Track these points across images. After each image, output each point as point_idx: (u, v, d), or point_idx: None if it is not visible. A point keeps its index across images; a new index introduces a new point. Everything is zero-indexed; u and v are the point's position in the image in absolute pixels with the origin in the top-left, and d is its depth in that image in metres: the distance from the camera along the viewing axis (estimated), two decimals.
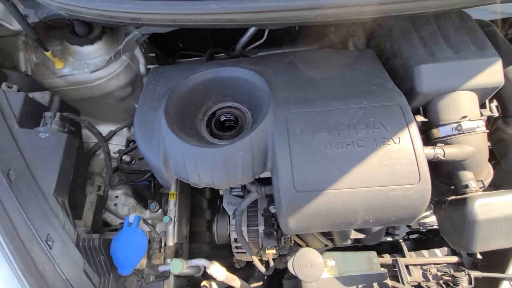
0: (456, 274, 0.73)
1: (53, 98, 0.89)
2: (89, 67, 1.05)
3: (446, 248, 0.98)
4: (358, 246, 1.11)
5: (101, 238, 0.79)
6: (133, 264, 0.76)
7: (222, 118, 0.86)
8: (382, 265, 0.96)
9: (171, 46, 1.42)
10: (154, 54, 1.23)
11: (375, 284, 0.90)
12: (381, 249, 1.10)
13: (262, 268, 0.93)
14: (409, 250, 1.05)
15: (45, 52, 0.96)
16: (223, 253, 1.38)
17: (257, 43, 1.17)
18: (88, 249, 0.73)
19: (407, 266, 0.94)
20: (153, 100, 0.83)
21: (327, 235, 0.96)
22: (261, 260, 1.19)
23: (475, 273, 0.74)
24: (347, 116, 0.71)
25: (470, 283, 0.72)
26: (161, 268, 0.84)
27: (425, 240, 1.14)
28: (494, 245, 0.67)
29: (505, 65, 0.82)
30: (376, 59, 0.86)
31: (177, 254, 1.21)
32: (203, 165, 0.71)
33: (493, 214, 0.65)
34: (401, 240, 1.07)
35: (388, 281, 0.90)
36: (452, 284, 0.72)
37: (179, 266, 0.79)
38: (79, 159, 0.86)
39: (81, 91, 1.08)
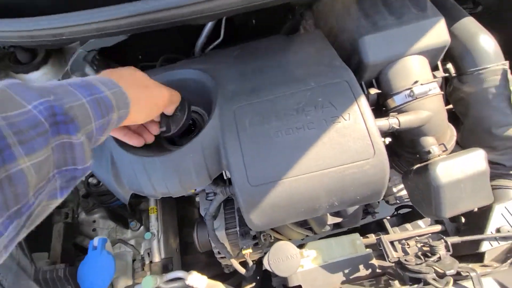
0: (433, 243, 0.71)
1: None
2: None
3: (429, 219, 0.96)
4: (345, 231, 1.09)
5: (67, 267, 0.76)
6: (101, 287, 0.72)
7: None
8: (368, 246, 0.93)
9: (131, 59, 1.39)
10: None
11: (360, 266, 0.88)
12: (368, 230, 1.08)
13: (242, 270, 0.90)
14: (395, 226, 1.03)
15: None
16: (229, 276, 1.35)
17: (215, 43, 1.14)
18: (51, 280, 0.70)
19: (392, 243, 0.92)
20: None
21: (304, 224, 0.93)
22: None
23: (453, 239, 0.72)
24: (295, 100, 0.68)
25: (448, 250, 0.70)
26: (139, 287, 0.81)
27: (410, 213, 1.12)
28: (463, 207, 0.65)
29: (451, 23, 0.81)
30: (324, 39, 0.84)
31: (166, 269, 1.18)
32: (154, 174, 0.68)
33: (456, 176, 0.63)
34: (385, 218, 1.05)
35: (374, 261, 0.88)
36: (430, 254, 0.70)
37: (150, 283, 0.76)
38: None
39: None
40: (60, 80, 1.00)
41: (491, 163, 0.82)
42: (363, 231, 0.99)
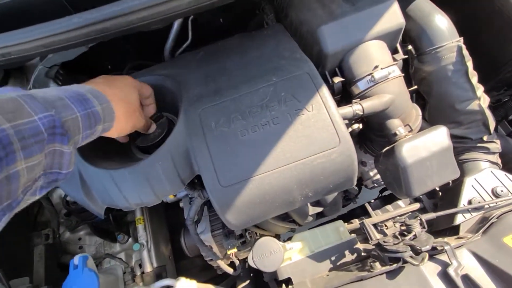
0: (409, 222, 0.73)
1: None
2: None
3: (408, 198, 0.98)
4: (332, 220, 1.11)
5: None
6: None
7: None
8: (353, 231, 0.95)
9: (100, 70, 1.35)
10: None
11: (346, 252, 0.89)
12: (354, 216, 1.09)
13: (229, 270, 0.90)
14: (378, 209, 1.05)
15: None
16: (221, 277, 1.34)
17: (184, 46, 1.12)
18: None
19: (375, 225, 0.94)
20: None
21: (287, 218, 0.94)
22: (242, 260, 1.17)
23: (428, 216, 0.74)
24: (258, 97, 0.68)
25: (423, 226, 0.71)
26: None
27: (392, 194, 1.14)
28: (431, 184, 0.67)
29: (406, 5, 0.82)
30: (284, 32, 0.84)
31: (160, 277, 1.17)
32: (125, 186, 0.67)
33: (421, 155, 0.65)
34: (367, 202, 1.07)
35: (359, 245, 0.90)
36: (407, 233, 0.72)
37: None
38: None
39: None
40: None
41: (458, 137, 0.85)
42: (349, 217, 1.00)
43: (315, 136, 0.63)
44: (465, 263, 0.64)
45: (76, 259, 0.77)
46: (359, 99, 0.69)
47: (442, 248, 0.66)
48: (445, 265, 0.65)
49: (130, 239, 1.28)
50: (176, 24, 1.02)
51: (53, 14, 0.61)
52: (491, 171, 0.79)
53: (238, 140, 0.65)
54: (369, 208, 0.99)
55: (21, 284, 0.74)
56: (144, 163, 0.66)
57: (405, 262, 0.68)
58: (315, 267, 0.88)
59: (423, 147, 0.65)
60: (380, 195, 1.28)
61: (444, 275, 0.64)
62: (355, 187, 0.99)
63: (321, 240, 0.92)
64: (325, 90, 0.66)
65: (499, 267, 0.61)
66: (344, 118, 0.68)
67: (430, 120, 0.87)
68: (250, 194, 0.63)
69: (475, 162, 0.83)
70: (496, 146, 0.82)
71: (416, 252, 0.66)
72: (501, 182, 0.78)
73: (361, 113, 0.68)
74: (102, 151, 0.76)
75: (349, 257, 0.89)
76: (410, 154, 0.65)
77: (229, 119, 0.67)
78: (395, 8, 0.73)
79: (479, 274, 0.62)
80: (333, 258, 0.89)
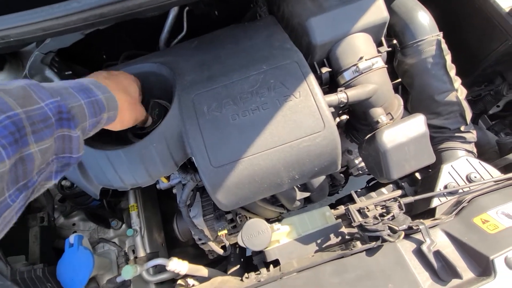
0: (388, 204, 0.78)
1: None
2: None
3: (391, 185, 1.04)
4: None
5: (45, 267, 0.77)
6: (81, 282, 0.75)
7: None
8: (339, 216, 1.00)
9: (95, 59, 1.37)
10: (71, 72, 1.19)
11: (331, 235, 0.94)
12: (341, 203, 1.14)
13: (220, 251, 0.94)
14: (363, 196, 1.10)
15: None
16: (213, 261, 1.38)
17: (179, 37, 1.15)
18: (30, 280, 0.71)
19: (359, 211, 0.99)
20: None
21: (276, 202, 0.98)
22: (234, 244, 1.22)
23: (406, 199, 0.79)
24: (249, 84, 0.72)
25: (401, 208, 0.77)
26: (119, 279, 0.84)
27: (376, 183, 1.20)
28: (409, 168, 0.72)
29: (391, 1, 0.86)
30: (276, 24, 0.87)
31: None
32: (120, 167, 0.70)
33: (399, 140, 0.70)
34: (353, 191, 1.12)
35: (343, 229, 0.94)
36: (386, 214, 0.77)
37: (130, 272, 0.79)
38: None
39: None
40: None
41: (437, 127, 0.90)
42: (337, 205, 1.05)
43: (302, 121, 0.67)
44: (438, 241, 0.70)
45: (72, 238, 0.80)
46: (344, 88, 0.73)
47: (418, 227, 0.71)
48: (419, 243, 0.70)
49: (123, 225, 1.31)
50: (172, 15, 1.04)
51: None
52: (467, 159, 0.85)
53: (229, 124, 0.68)
54: (355, 195, 1.03)
55: (18, 261, 0.76)
56: (139, 145, 0.69)
57: (384, 241, 0.73)
58: (302, 249, 0.92)
59: (401, 133, 0.70)
60: (367, 185, 1.34)
61: (418, 252, 0.69)
62: (341, 175, 1.04)
63: (308, 224, 0.97)
64: (312, 79, 0.70)
65: (468, 244, 0.67)
66: (330, 105, 0.72)
67: (412, 111, 0.92)
68: (240, 175, 0.67)
69: (453, 151, 0.88)
70: (472, 136, 0.88)
71: (394, 231, 0.71)
72: (475, 169, 0.83)
73: (346, 101, 0.73)
74: (99, 134, 0.79)
75: (334, 240, 0.94)
76: (389, 139, 0.70)
77: (221, 104, 0.70)
78: (380, 2, 0.77)
79: (449, 250, 0.68)
80: (319, 241, 0.94)
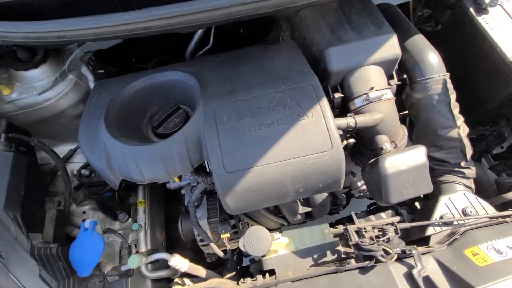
0: (385, 227, 0.82)
1: None
2: (37, 89, 1.09)
3: (390, 211, 1.08)
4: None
5: (59, 247, 0.83)
6: (90, 265, 0.80)
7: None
8: (337, 235, 1.04)
9: (125, 62, 1.48)
10: (103, 71, 1.29)
11: (328, 252, 0.98)
12: (340, 224, 1.18)
13: (220, 253, 0.99)
14: (362, 218, 1.14)
15: None
16: (210, 264, 1.42)
17: (205, 49, 1.24)
18: (45, 257, 0.77)
19: (357, 232, 1.02)
20: (96, 110, 0.89)
21: (278, 213, 1.03)
22: (232, 250, 1.25)
23: (402, 225, 0.84)
24: (267, 100, 0.79)
25: (396, 233, 0.81)
26: (124, 268, 0.89)
27: (376, 208, 1.23)
28: (406, 195, 0.77)
29: (405, 39, 0.94)
30: (296, 48, 0.96)
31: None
32: (142, 162, 0.77)
33: (400, 168, 0.75)
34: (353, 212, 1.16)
35: (340, 248, 0.98)
36: (382, 236, 0.81)
37: (136, 261, 0.84)
38: (31, 177, 0.90)
39: (32, 114, 1.12)
40: (57, 78, 1.09)
41: (439, 160, 0.95)
42: (337, 225, 1.09)
43: (312, 139, 0.73)
44: (429, 267, 0.73)
45: (87, 223, 0.86)
46: (353, 114, 0.80)
47: (410, 252, 0.75)
48: (411, 267, 0.74)
49: (129, 220, 1.36)
50: (200, 30, 1.15)
51: (103, 9, 0.72)
52: (464, 193, 0.89)
53: (245, 134, 0.75)
54: (354, 216, 1.07)
55: (35, 238, 0.82)
56: (162, 144, 0.76)
57: (377, 261, 0.77)
58: (298, 262, 0.96)
59: (403, 161, 0.75)
60: (367, 209, 1.38)
61: (409, 276, 0.73)
62: (343, 195, 1.08)
63: (307, 239, 1.01)
64: (325, 102, 0.77)
65: (457, 273, 0.70)
66: (339, 128, 0.79)
67: (416, 142, 0.97)
68: (250, 182, 0.73)
69: (451, 184, 0.92)
70: (471, 172, 0.92)
71: (387, 252, 0.75)
72: (471, 203, 0.87)
73: (354, 126, 0.79)
74: (125, 131, 0.87)
75: (330, 257, 0.97)
76: (391, 165, 0.75)
77: (240, 116, 0.78)
78: (394, 40, 0.85)
79: (439, 277, 0.71)
80: (315, 256, 0.98)
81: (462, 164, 0.92)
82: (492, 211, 0.85)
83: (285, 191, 0.76)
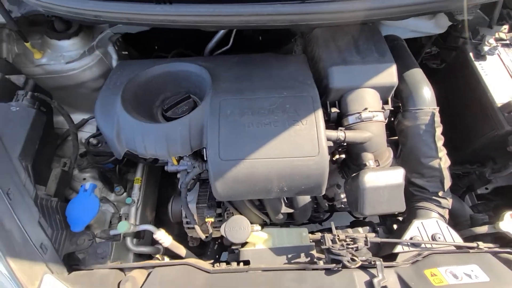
0: (356, 236, 0.88)
1: (27, 81, 1.03)
2: (65, 58, 1.20)
3: (368, 227, 1.14)
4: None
5: (59, 202, 0.91)
6: (84, 223, 0.87)
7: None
8: (314, 241, 1.10)
9: (148, 48, 1.58)
10: (127, 53, 1.39)
11: (302, 254, 1.04)
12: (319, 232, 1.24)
13: (202, 236, 1.05)
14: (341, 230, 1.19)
15: (24, 42, 1.10)
16: (192, 249, 1.48)
17: (223, 49, 1.34)
18: (46, 207, 0.85)
19: (332, 240, 1.08)
20: (115, 87, 0.98)
21: (262, 209, 1.10)
22: (214, 239, 1.32)
23: (373, 239, 0.90)
24: (269, 103, 0.87)
25: (366, 244, 0.87)
26: (112, 232, 0.96)
27: (356, 223, 1.29)
28: (380, 209, 0.83)
29: (404, 70, 1.02)
30: (305, 62, 1.04)
31: (138, 235, 1.32)
32: (148, 138, 0.85)
33: (378, 184, 0.82)
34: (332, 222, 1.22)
35: (314, 252, 1.04)
36: (352, 244, 0.87)
37: (125, 226, 0.92)
38: (46, 135, 0.99)
39: (57, 80, 1.22)
40: (85, 52, 1.19)
41: (419, 187, 1.01)
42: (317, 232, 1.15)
43: (302, 144, 0.81)
44: (389, 279, 0.79)
45: (87, 185, 0.94)
46: (344, 129, 0.87)
47: (375, 263, 0.81)
48: (372, 277, 0.80)
49: (125, 194, 1.44)
50: (222, 31, 1.25)
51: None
52: (437, 221, 0.95)
53: (243, 129, 0.83)
54: (333, 226, 1.14)
55: (39, 189, 0.90)
56: (168, 125, 0.85)
57: (344, 266, 0.83)
58: (272, 258, 1.02)
59: (381, 178, 0.82)
60: (349, 224, 1.43)
61: (369, 284, 0.79)
62: (326, 202, 1.14)
63: (284, 239, 1.08)
64: (319, 113, 0.84)
65: None
66: (329, 139, 0.86)
67: (401, 165, 1.03)
68: (240, 172, 0.81)
69: (427, 211, 0.99)
70: (447, 202, 0.98)
71: (353, 259, 0.81)
72: (441, 231, 0.93)
73: (343, 139, 0.86)
74: (137, 108, 0.95)
75: (303, 259, 1.03)
76: (370, 180, 0.82)
77: (242, 112, 0.86)
78: (393, 70, 0.93)
79: None
80: (289, 256, 1.04)
81: (440, 194, 0.99)
82: (459, 241, 0.91)
83: (270, 187, 0.84)
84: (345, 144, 0.93)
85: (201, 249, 1.47)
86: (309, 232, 1.10)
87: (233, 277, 0.85)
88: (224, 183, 0.82)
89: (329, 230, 1.29)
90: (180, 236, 1.52)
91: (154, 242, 1.48)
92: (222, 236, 1.24)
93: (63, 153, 1.34)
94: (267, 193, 0.86)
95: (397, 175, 0.83)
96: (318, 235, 1.13)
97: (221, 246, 1.36)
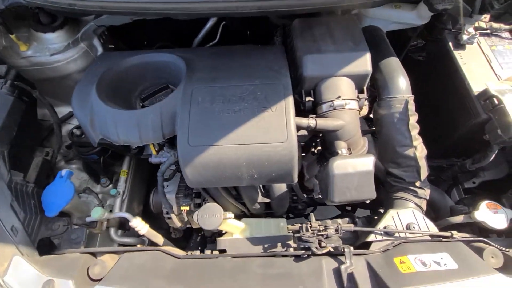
0: (328, 224, 0.88)
1: (9, 70, 1.05)
2: (50, 51, 1.22)
3: (347, 219, 1.13)
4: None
5: (36, 188, 0.93)
6: (57, 208, 0.89)
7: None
8: (292, 231, 1.09)
9: (137, 43, 1.60)
10: (113, 46, 1.41)
11: (279, 244, 1.04)
12: None
13: (178, 224, 1.06)
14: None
15: (10, 35, 1.13)
16: (176, 241, 1.49)
17: (210, 44, 1.35)
18: (20, 192, 0.87)
19: (306, 229, 1.07)
20: (93, 76, 1.00)
21: (238, 199, 1.10)
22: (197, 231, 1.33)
23: (346, 226, 0.89)
24: (240, 91, 0.88)
25: (337, 231, 0.86)
26: (88, 219, 0.98)
27: (337, 216, 1.28)
28: (349, 196, 0.83)
29: (381, 59, 1.01)
30: (282, 53, 1.04)
31: (123, 226, 1.33)
32: (121, 125, 0.86)
33: (347, 170, 0.81)
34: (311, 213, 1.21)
35: (291, 242, 1.04)
36: (323, 231, 0.86)
37: (98, 212, 0.93)
38: (27, 123, 1.01)
39: (43, 72, 1.25)
40: (70, 44, 1.21)
41: (396, 177, 1.00)
42: None
43: (270, 130, 0.81)
44: (358, 266, 0.78)
45: (63, 172, 0.96)
46: (315, 116, 0.87)
47: (344, 250, 0.80)
48: (341, 264, 0.79)
49: (110, 185, 1.46)
50: (209, 24, 1.26)
51: None
52: (413, 211, 0.94)
53: (213, 116, 0.84)
54: (312, 216, 1.13)
55: (16, 175, 0.92)
56: (139, 112, 0.86)
57: (313, 254, 0.83)
58: (249, 248, 1.02)
59: (351, 165, 0.82)
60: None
61: (337, 270, 0.78)
62: (304, 195, 1.14)
63: (262, 229, 1.07)
64: (290, 100, 0.84)
65: (380, 275, 0.75)
66: (300, 126, 0.86)
67: (378, 156, 1.03)
68: (208, 158, 0.81)
69: (403, 201, 0.97)
70: (423, 192, 0.97)
71: (322, 245, 0.81)
72: (417, 221, 0.92)
73: (314, 126, 0.86)
74: (114, 97, 0.97)
75: (279, 249, 1.02)
76: (339, 167, 0.81)
77: (213, 100, 0.86)
78: (367, 58, 0.92)
79: (363, 276, 0.76)
80: (266, 246, 1.04)
81: (417, 184, 0.97)
82: (435, 231, 0.89)
83: (240, 173, 0.84)
84: (320, 134, 0.92)
85: (185, 241, 1.48)
86: (290, 224, 1.10)
87: (202, 263, 0.85)
88: (194, 169, 0.82)
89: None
90: (169, 229, 1.52)
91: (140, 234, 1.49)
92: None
93: (50, 144, 1.36)
94: (238, 180, 0.87)
95: (367, 162, 0.82)
96: (296, 226, 1.13)
97: (204, 238, 1.36)
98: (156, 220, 1.53)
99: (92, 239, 1.23)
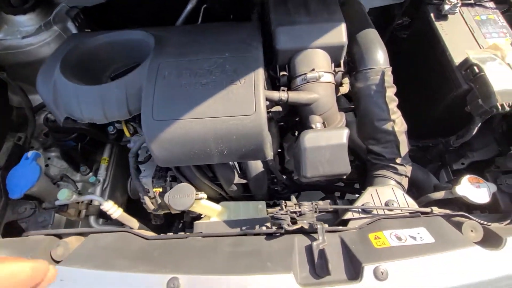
0: (303, 203, 0.84)
1: None
2: (21, 34, 1.19)
3: (329, 200, 1.09)
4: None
5: (2, 170, 0.90)
6: (21, 189, 0.86)
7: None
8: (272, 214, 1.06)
9: (114, 24, 1.56)
10: (89, 30, 1.38)
11: (257, 227, 1.00)
12: None
13: (151, 207, 1.03)
14: None
15: None
16: (157, 228, 1.46)
17: None
18: None
19: (280, 207, 1.03)
20: (60, 54, 0.96)
21: (214, 181, 1.06)
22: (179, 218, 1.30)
23: (322, 205, 0.86)
24: (209, 64, 0.84)
25: (314, 210, 0.83)
26: (57, 202, 0.94)
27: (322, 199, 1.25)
28: (322, 171, 0.79)
29: (358, 31, 0.97)
30: (257, 28, 1.00)
31: (104, 215, 1.30)
32: (83, 101, 0.83)
33: (319, 143, 0.78)
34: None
35: (269, 224, 1.00)
36: (297, 209, 0.83)
37: (64, 194, 0.90)
38: None
39: (16, 56, 1.21)
40: (41, 26, 1.18)
41: (376, 154, 0.96)
42: None
43: (237, 102, 0.77)
44: (331, 243, 0.75)
45: (30, 153, 0.92)
46: (286, 89, 0.83)
47: (316, 227, 0.77)
48: (313, 240, 0.76)
49: (90, 174, 1.43)
50: (190, 7, 1.22)
51: None
52: (392, 188, 0.90)
53: (180, 90, 0.80)
54: (293, 197, 1.10)
55: None
56: (103, 86, 0.82)
57: (286, 232, 0.79)
58: (226, 230, 0.99)
59: (323, 138, 0.78)
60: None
61: (309, 248, 0.75)
62: (284, 177, 1.10)
63: (240, 212, 1.04)
64: (260, 73, 0.81)
65: (352, 251, 0.72)
66: (270, 100, 0.83)
67: (358, 133, 0.99)
68: (174, 132, 0.78)
69: (383, 178, 0.94)
70: (404, 169, 0.93)
71: (294, 222, 0.77)
72: (396, 198, 0.88)
73: (286, 100, 0.83)
74: (81, 76, 0.93)
75: (257, 231, 1.00)
76: (311, 140, 0.78)
77: (180, 73, 0.83)
78: (342, 28, 0.88)
79: (336, 252, 0.73)
80: (243, 228, 1.00)
81: (398, 160, 0.94)
82: (415, 208, 0.86)
83: (208, 149, 0.80)
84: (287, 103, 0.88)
85: (167, 228, 1.45)
86: (269, 207, 1.06)
87: (172, 243, 0.82)
88: (160, 145, 0.79)
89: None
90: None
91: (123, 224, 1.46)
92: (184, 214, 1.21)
93: (25, 131, 1.33)
94: (208, 157, 0.83)
95: (340, 135, 0.79)
96: (276, 209, 1.09)
97: (185, 225, 1.33)
98: (142, 211, 1.51)
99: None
